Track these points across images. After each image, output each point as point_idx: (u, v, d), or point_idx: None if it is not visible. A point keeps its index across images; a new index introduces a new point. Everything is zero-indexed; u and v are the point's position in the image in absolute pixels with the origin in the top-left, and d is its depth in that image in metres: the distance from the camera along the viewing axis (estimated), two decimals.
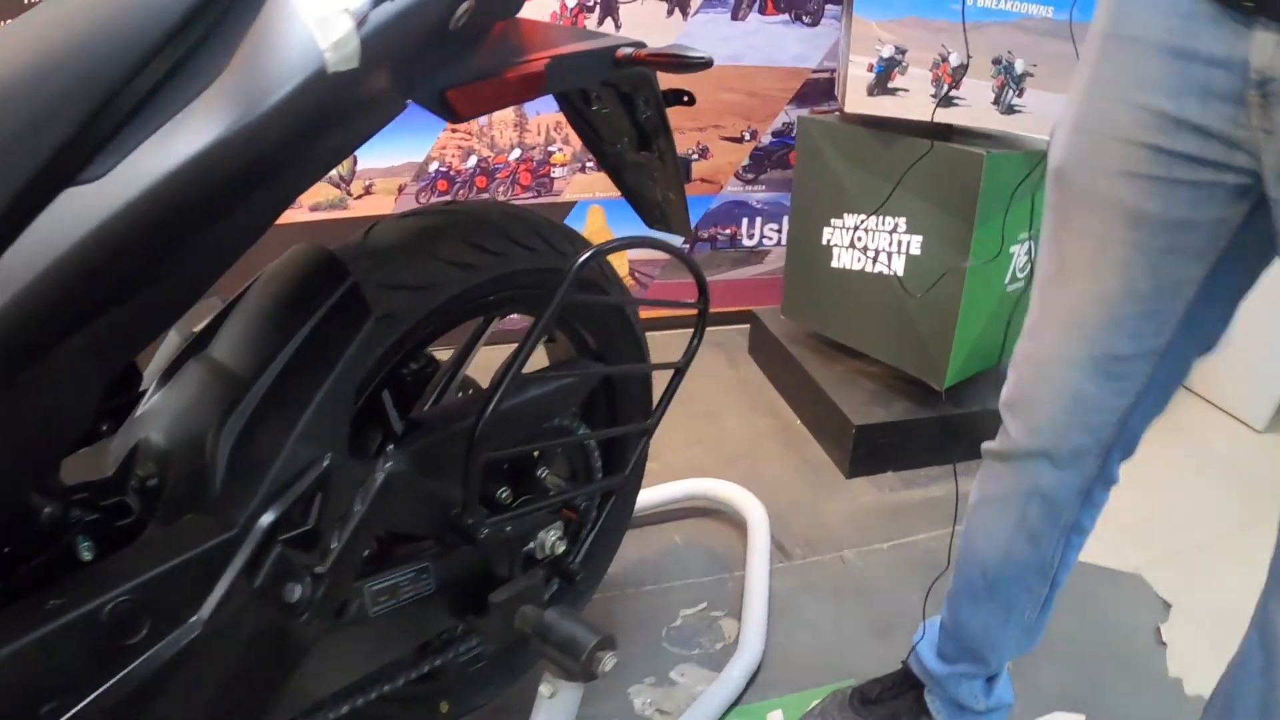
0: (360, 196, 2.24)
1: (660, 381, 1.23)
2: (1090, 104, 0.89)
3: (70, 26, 0.59)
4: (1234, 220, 0.86)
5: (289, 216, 2.15)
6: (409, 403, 1.06)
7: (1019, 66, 1.84)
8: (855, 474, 1.94)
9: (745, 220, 2.59)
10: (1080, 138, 0.90)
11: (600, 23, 2.27)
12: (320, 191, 2.19)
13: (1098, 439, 1.00)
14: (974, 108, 1.85)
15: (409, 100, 0.76)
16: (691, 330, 1.16)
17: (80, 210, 0.56)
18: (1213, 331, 0.97)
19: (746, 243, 2.61)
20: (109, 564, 0.74)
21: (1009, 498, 1.08)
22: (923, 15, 1.82)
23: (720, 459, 1.99)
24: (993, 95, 1.85)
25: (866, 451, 1.93)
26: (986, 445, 1.11)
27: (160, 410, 0.83)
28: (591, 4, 2.26)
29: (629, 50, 0.91)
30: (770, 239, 2.61)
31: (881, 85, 1.86)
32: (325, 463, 0.81)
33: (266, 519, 0.78)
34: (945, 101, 1.84)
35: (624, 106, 1.03)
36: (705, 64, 0.92)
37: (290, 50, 0.62)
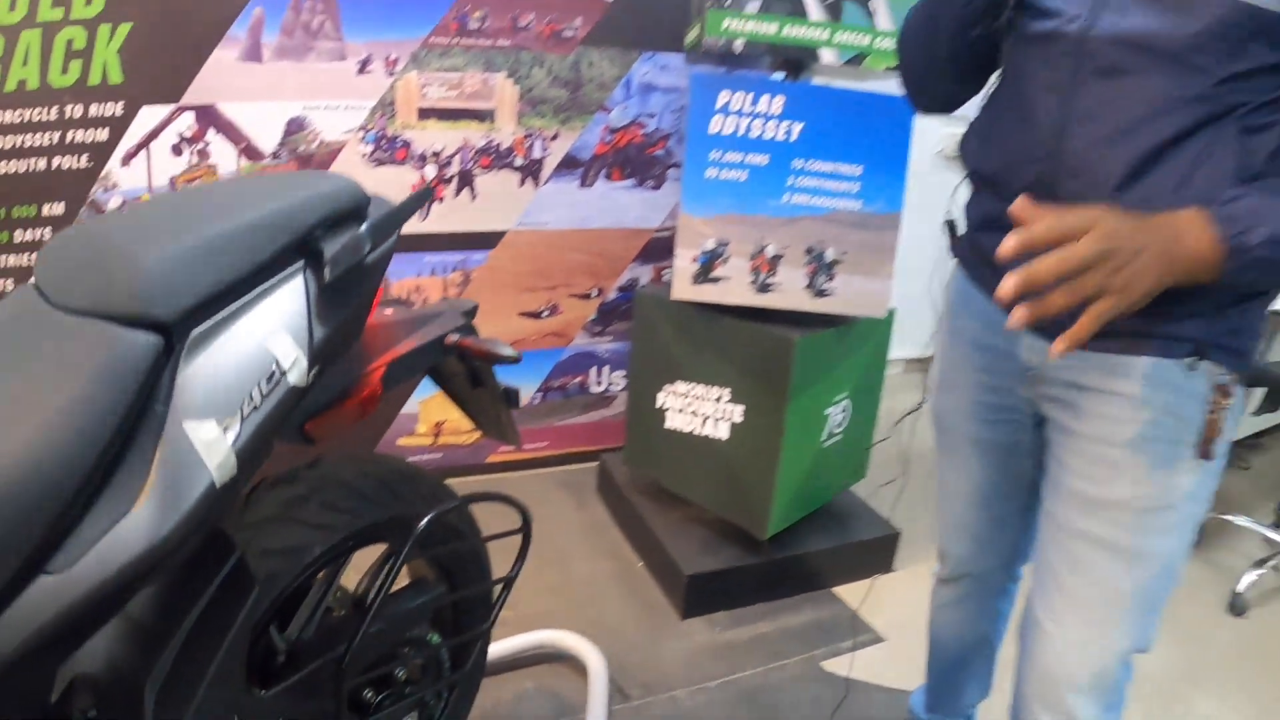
0: None
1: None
2: (944, 371, 1.36)
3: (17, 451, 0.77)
4: (1033, 440, 1.27)
5: None
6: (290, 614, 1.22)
7: (829, 255, 2.12)
8: (690, 615, 2.14)
9: (593, 369, 2.80)
10: (943, 395, 1.37)
11: (458, 193, 2.48)
12: None
13: (998, 564, 1.47)
14: (788, 292, 2.12)
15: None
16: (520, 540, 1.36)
17: (54, 593, 0.76)
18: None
19: (595, 389, 2.82)
20: None
21: (955, 601, 1.55)
22: (742, 212, 2.09)
23: (569, 604, 2.16)
24: (806, 280, 2.13)
25: (698, 596, 2.14)
26: (936, 570, 1.57)
27: (93, 652, 0.96)
28: (449, 176, 2.47)
29: (455, 338, 1.14)
30: (617, 385, 2.83)
31: (705, 274, 2.11)
32: None
33: None
34: (763, 288, 2.11)
35: (459, 357, 1.23)
36: (514, 360, 1.14)
37: (189, 470, 0.83)
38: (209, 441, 0.83)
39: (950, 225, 1.28)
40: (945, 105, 1.28)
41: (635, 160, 2.67)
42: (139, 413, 0.82)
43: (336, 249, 0.97)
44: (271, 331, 0.91)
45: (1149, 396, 1.04)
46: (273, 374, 0.89)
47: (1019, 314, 0.82)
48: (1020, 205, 0.84)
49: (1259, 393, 2.46)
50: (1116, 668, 1.16)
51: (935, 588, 1.60)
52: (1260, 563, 2.51)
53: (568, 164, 2.59)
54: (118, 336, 0.82)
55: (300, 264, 0.96)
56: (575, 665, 1.93)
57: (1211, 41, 0.93)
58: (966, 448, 1.37)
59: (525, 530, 1.35)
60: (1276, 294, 1.05)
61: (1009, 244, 0.82)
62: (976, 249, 1.21)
